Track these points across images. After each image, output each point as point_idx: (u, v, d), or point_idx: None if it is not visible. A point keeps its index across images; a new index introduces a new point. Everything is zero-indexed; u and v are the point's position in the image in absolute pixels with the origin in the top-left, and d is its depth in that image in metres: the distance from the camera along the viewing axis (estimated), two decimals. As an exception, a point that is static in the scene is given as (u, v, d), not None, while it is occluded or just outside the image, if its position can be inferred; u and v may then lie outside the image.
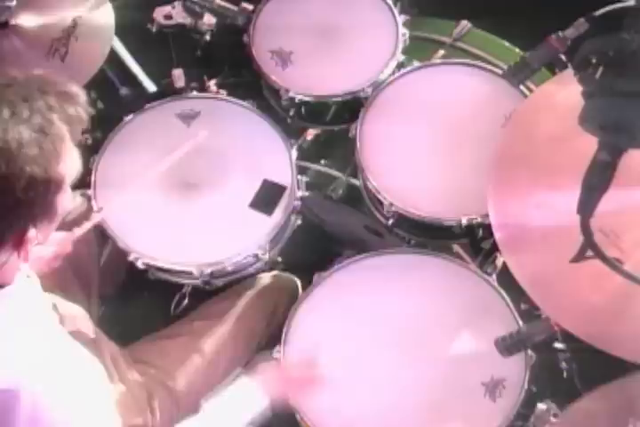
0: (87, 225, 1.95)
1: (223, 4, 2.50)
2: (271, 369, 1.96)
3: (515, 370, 1.92)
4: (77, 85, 1.34)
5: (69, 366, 1.41)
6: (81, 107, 1.31)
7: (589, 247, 1.26)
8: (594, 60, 1.17)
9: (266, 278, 2.22)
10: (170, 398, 1.99)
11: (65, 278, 2.04)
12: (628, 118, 1.14)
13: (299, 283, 2.25)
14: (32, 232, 1.30)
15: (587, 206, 1.23)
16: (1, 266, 1.32)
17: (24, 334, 1.38)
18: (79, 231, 1.92)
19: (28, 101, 1.24)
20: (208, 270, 2.11)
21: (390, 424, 1.93)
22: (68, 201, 1.36)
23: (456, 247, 2.36)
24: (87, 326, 1.90)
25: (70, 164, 1.31)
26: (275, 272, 2.26)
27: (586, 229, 1.24)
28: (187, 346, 2.06)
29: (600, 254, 1.26)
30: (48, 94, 1.27)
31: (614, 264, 1.29)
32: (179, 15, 2.44)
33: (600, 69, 1.16)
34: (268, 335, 2.15)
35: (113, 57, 2.50)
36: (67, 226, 1.94)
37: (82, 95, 1.32)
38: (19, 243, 1.30)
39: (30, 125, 1.23)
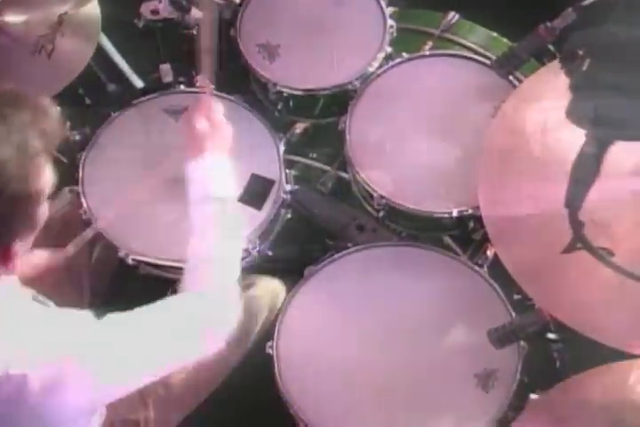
0: (80, 240, 1.95)
1: (210, -3, 2.49)
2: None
3: (507, 361, 1.93)
4: (48, 99, 1.34)
5: (72, 346, 1.41)
6: (55, 121, 1.31)
7: (578, 240, 1.26)
8: (580, 53, 1.17)
9: (253, 288, 2.21)
10: (164, 392, 1.99)
11: (57, 278, 2.03)
12: (614, 111, 1.14)
13: (283, 287, 2.24)
14: (17, 246, 1.32)
15: (574, 200, 1.23)
16: None
17: (23, 320, 1.37)
18: (72, 249, 1.92)
19: (4, 119, 1.25)
20: (199, 266, 2.10)
21: (382, 416, 1.94)
22: (46, 212, 1.38)
23: (447, 239, 2.36)
24: None
25: (46, 178, 1.32)
26: (261, 281, 2.25)
27: (575, 222, 1.24)
28: None
29: (589, 247, 1.26)
30: (21, 110, 1.27)
31: (604, 257, 1.28)
32: (165, 10, 2.41)
33: (587, 62, 1.15)
34: (261, 330, 2.15)
35: (100, 53, 2.49)
36: (56, 223, 1.94)
37: (54, 109, 1.33)
38: (6, 257, 1.32)
39: (9, 144, 1.24)
